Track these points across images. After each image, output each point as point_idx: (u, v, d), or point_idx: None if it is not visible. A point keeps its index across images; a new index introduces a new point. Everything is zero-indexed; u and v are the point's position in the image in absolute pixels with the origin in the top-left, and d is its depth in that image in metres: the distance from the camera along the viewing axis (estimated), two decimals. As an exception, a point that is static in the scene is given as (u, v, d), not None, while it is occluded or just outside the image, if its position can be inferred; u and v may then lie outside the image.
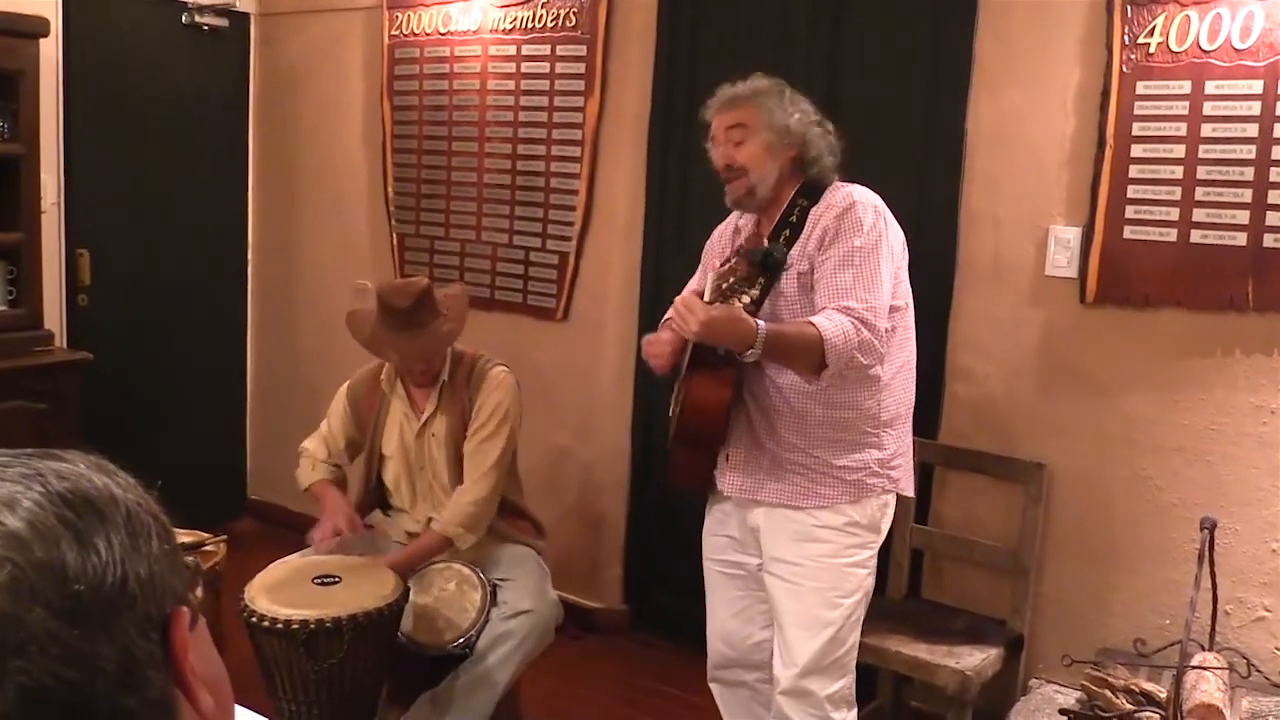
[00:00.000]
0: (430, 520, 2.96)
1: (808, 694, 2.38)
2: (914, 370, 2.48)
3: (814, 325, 2.19)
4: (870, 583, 2.44)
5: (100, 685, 0.62)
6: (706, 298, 2.24)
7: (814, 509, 2.38)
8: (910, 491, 2.54)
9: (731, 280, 2.22)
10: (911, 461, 2.52)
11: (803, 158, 2.41)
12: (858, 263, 2.27)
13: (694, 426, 2.41)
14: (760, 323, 2.18)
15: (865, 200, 2.34)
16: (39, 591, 0.61)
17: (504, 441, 2.91)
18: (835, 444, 2.36)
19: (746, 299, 2.20)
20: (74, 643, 0.61)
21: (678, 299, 2.25)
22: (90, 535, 0.65)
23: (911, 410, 2.50)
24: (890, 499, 2.45)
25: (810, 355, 2.20)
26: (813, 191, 2.41)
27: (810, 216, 2.37)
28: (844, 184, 2.42)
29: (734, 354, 2.29)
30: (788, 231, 2.38)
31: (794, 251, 2.35)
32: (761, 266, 2.21)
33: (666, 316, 2.52)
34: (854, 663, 2.46)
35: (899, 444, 2.45)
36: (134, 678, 0.64)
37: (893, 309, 2.34)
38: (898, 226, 2.39)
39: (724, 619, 2.62)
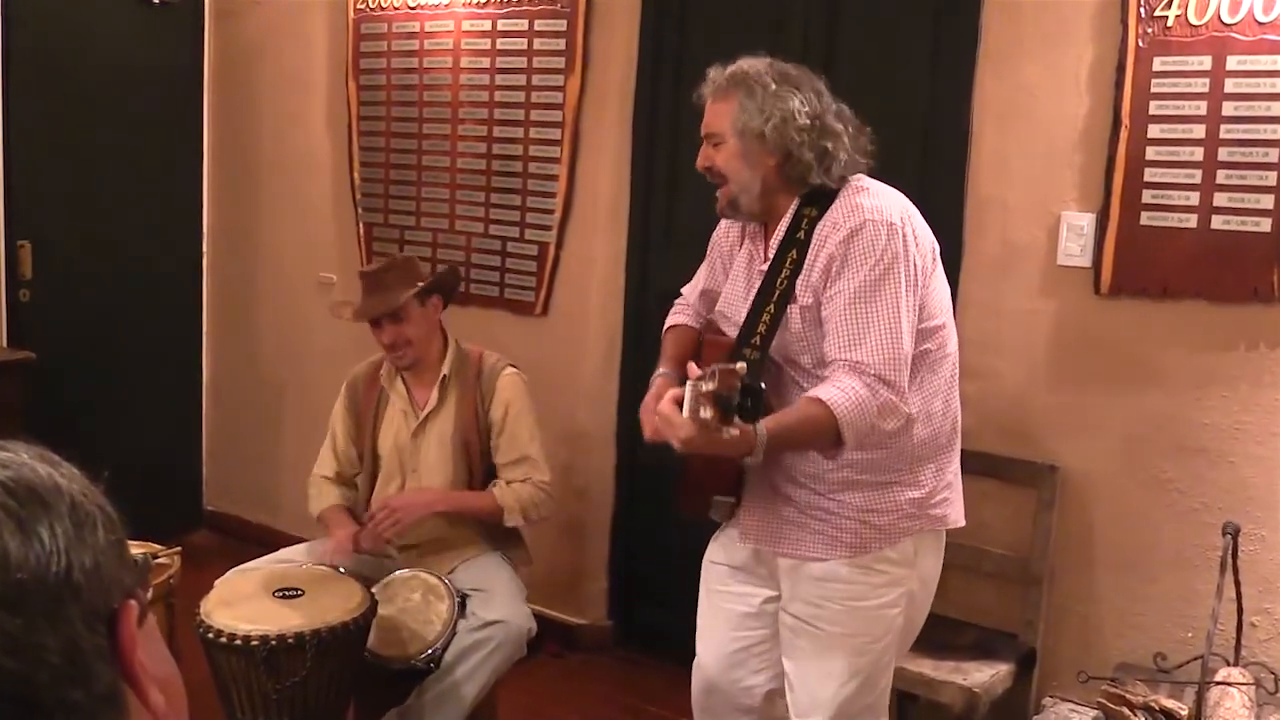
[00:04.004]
0: (493, 484, 3.02)
1: None
2: (956, 389, 2.30)
3: (823, 403, 2.04)
4: (901, 621, 2.31)
5: (45, 676, 0.65)
6: (685, 410, 1.90)
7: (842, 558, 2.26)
8: (962, 520, 2.36)
9: (711, 415, 1.87)
10: (960, 487, 2.34)
11: (784, 168, 2.20)
12: (869, 301, 2.10)
13: (701, 483, 2.31)
14: (761, 429, 1.98)
15: (877, 216, 2.13)
16: None
17: (538, 439, 3.09)
18: (860, 487, 2.21)
19: (735, 431, 1.88)
20: (17, 632, 0.64)
21: (660, 406, 1.99)
22: (33, 524, 0.67)
23: (958, 435, 2.32)
24: (930, 536, 2.30)
25: (824, 436, 2.07)
26: (820, 198, 2.21)
27: (816, 235, 2.18)
28: (858, 184, 2.22)
29: None
30: (794, 252, 2.21)
31: (798, 284, 2.19)
32: (739, 410, 1.87)
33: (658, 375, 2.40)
34: (886, 701, 2.36)
35: (940, 479, 2.27)
36: (80, 670, 0.67)
37: (927, 331, 2.19)
38: (925, 229, 2.23)
39: (715, 657, 2.46)
